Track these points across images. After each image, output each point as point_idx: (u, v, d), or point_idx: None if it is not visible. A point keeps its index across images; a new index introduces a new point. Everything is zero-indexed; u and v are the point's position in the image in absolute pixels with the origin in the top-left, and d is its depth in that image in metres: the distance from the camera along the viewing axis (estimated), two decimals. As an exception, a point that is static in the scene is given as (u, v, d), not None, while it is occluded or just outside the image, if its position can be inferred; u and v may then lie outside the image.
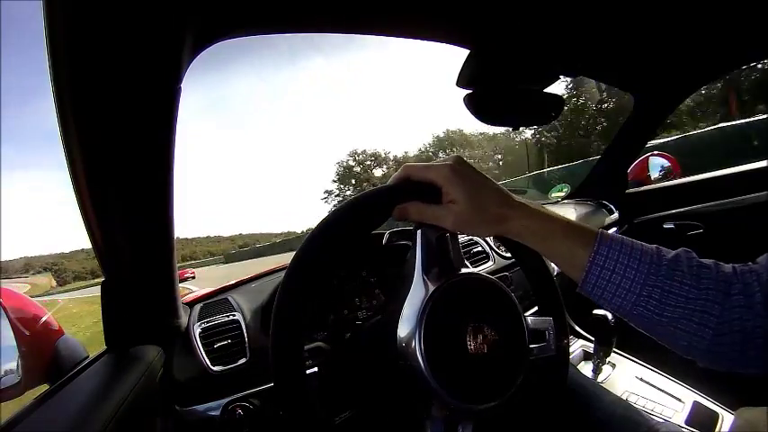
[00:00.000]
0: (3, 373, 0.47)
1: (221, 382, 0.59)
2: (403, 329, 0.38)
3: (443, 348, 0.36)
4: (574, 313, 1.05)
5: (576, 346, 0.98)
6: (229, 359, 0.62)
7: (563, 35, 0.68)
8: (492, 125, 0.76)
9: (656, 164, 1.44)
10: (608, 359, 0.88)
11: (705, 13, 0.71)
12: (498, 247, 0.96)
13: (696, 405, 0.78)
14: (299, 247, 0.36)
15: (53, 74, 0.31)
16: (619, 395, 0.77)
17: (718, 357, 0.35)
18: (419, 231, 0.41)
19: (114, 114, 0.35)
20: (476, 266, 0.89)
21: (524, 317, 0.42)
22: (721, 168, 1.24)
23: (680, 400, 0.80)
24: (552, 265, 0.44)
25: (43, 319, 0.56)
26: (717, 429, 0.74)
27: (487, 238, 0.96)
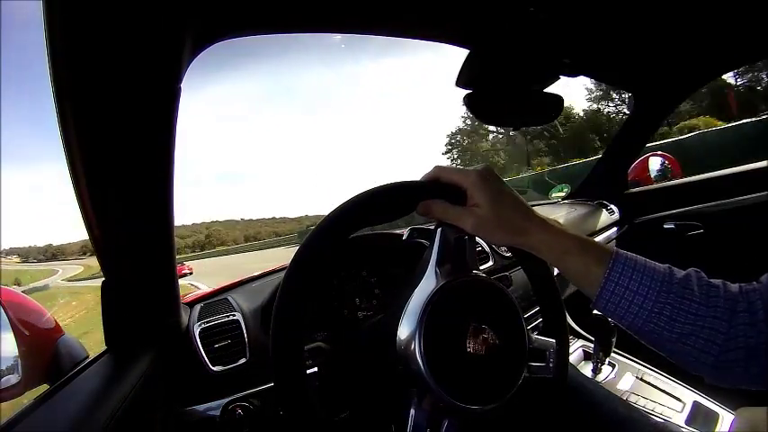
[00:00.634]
0: (3, 373, 0.47)
1: (221, 382, 0.59)
2: (403, 329, 0.38)
3: (443, 348, 0.36)
4: (574, 313, 1.05)
5: (576, 346, 0.98)
6: (229, 359, 0.62)
7: (563, 35, 0.68)
8: (492, 125, 0.76)
9: (656, 164, 1.44)
10: (608, 359, 0.88)
11: (705, 13, 0.71)
12: (498, 248, 0.96)
13: (696, 405, 0.78)
14: (302, 242, 0.36)
15: (53, 74, 0.31)
16: (619, 395, 0.77)
17: (724, 373, 0.36)
18: (439, 230, 0.42)
19: (114, 114, 0.35)
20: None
21: (527, 330, 0.42)
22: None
23: (680, 400, 0.80)
24: (553, 268, 0.44)
25: (43, 318, 0.56)
26: (717, 429, 0.74)
27: None
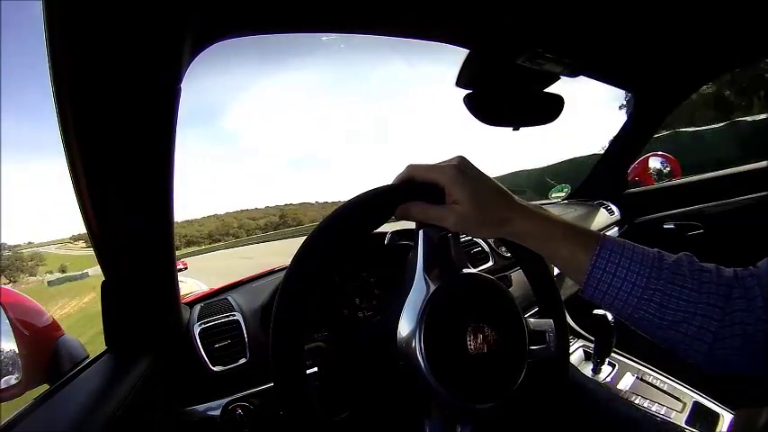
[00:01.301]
0: (3, 373, 0.47)
1: (221, 382, 0.59)
2: (403, 329, 0.38)
3: (443, 348, 0.36)
4: (574, 313, 1.05)
5: (576, 346, 0.98)
6: (229, 359, 0.62)
7: (563, 35, 0.68)
8: (492, 125, 0.76)
9: (656, 164, 1.44)
10: (608, 359, 0.88)
11: (705, 12, 0.71)
12: (498, 248, 0.96)
13: (696, 405, 0.78)
14: (299, 247, 0.36)
15: (53, 73, 0.31)
16: (619, 395, 0.77)
17: (719, 361, 0.35)
18: (421, 231, 0.41)
19: (114, 114, 0.35)
20: (475, 267, 0.89)
21: (525, 319, 0.42)
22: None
23: (680, 400, 0.80)
24: (553, 267, 0.44)
25: (43, 318, 0.55)
26: (717, 429, 0.73)
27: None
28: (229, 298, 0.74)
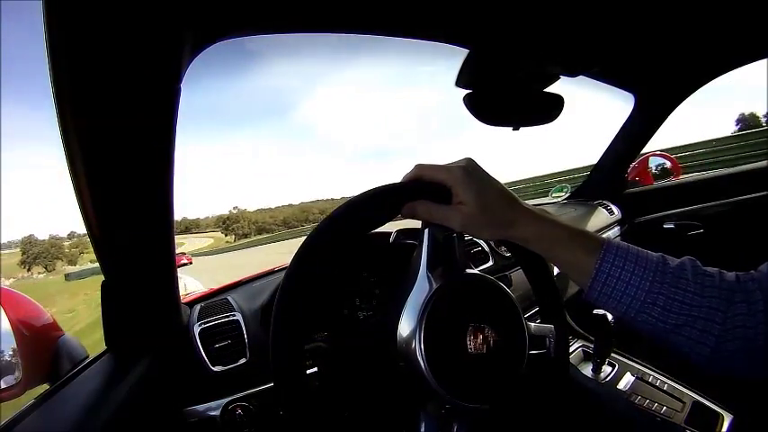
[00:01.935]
0: (3, 372, 0.47)
1: (221, 382, 0.59)
2: (403, 329, 0.38)
3: (443, 348, 0.36)
4: (574, 313, 1.05)
5: (576, 347, 0.98)
6: (229, 359, 0.62)
7: (563, 35, 0.68)
8: (492, 125, 0.76)
9: (656, 164, 1.44)
10: (608, 359, 0.88)
11: (705, 13, 0.71)
12: (498, 248, 0.96)
13: (696, 405, 0.78)
14: (300, 247, 0.36)
15: (53, 73, 0.31)
16: (619, 395, 0.77)
17: (721, 364, 0.35)
18: (426, 230, 0.41)
19: (114, 114, 0.35)
20: (475, 266, 0.89)
21: (525, 321, 0.42)
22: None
23: (680, 400, 0.80)
24: (553, 266, 0.44)
25: (43, 318, 0.55)
26: (717, 429, 0.73)
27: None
28: (229, 298, 0.74)
